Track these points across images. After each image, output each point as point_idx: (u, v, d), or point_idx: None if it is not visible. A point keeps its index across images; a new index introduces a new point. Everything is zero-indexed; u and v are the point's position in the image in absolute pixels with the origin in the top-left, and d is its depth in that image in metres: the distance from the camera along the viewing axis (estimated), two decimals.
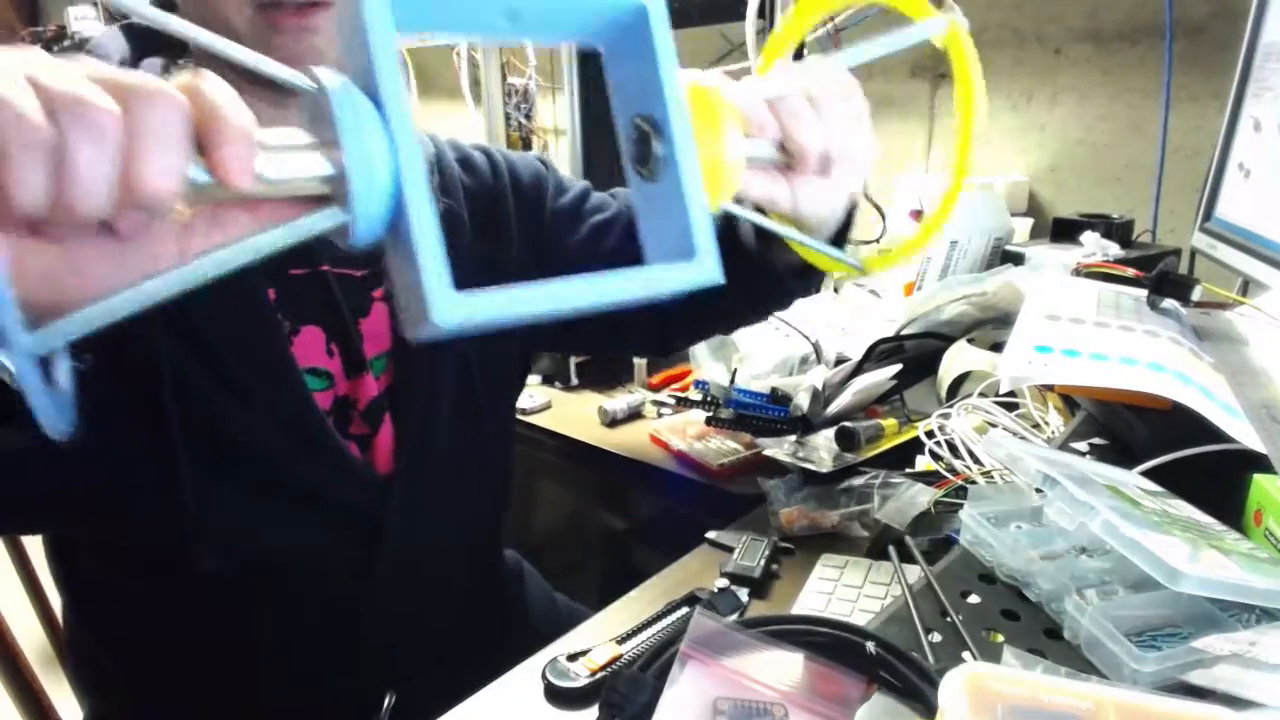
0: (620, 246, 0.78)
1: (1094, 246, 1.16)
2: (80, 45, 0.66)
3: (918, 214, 1.34)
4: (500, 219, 0.77)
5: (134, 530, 0.64)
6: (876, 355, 1.00)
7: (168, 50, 0.68)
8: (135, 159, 0.29)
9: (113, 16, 2.87)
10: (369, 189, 0.31)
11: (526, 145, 1.87)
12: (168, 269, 0.31)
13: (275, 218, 0.33)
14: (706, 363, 1.11)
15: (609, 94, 0.41)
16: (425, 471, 0.71)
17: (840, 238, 0.62)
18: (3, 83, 0.28)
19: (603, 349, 0.87)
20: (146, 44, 0.67)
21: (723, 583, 0.68)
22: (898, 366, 0.96)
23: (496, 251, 0.76)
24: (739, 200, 0.48)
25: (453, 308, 0.30)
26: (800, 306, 1.20)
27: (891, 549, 0.65)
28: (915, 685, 0.47)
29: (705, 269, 0.38)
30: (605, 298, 0.35)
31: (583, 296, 0.34)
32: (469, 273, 0.31)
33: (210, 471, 0.60)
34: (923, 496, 0.73)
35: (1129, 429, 0.69)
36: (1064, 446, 0.71)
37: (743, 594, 0.67)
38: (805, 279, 0.71)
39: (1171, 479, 0.60)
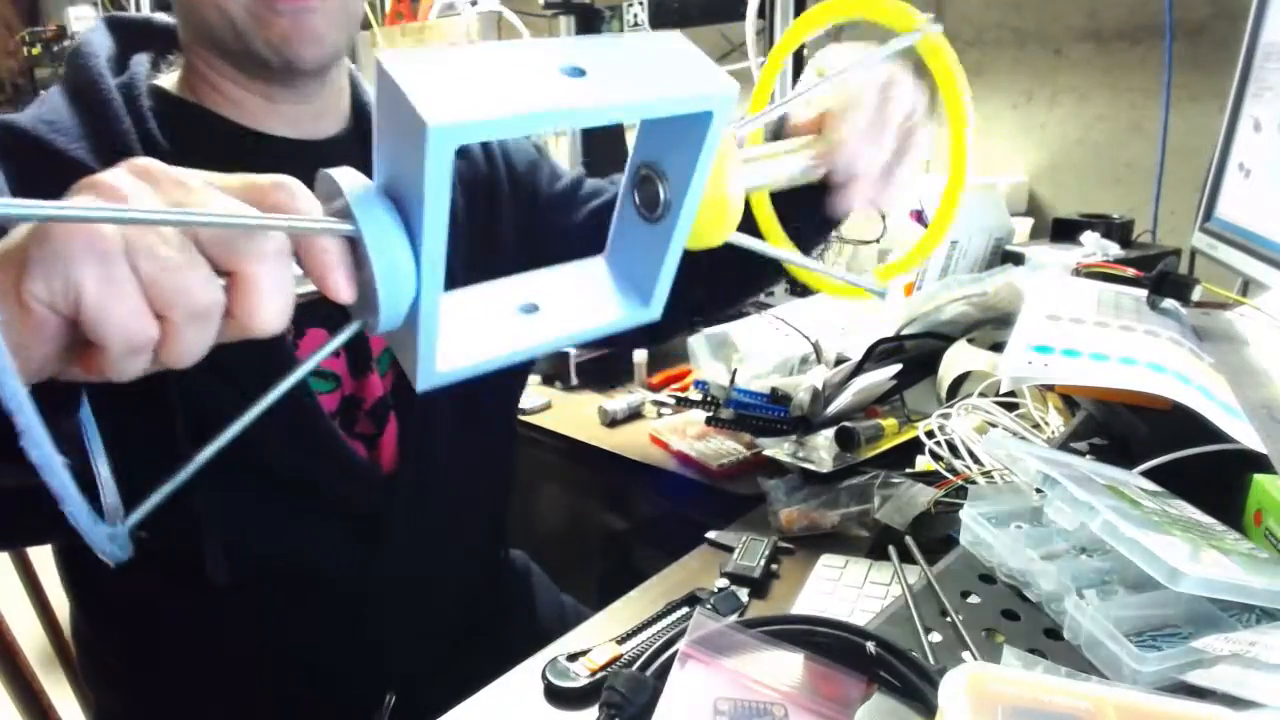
0: None
1: (1094, 246, 1.15)
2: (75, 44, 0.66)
3: (919, 214, 1.34)
4: (494, 205, 0.78)
5: (144, 535, 0.64)
6: (876, 355, 1.00)
7: (156, 44, 0.68)
8: (252, 312, 0.31)
9: None
10: (394, 302, 0.32)
11: None
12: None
13: None
14: (706, 363, 1.11)
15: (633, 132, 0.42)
16: (428, 470, 0.71)
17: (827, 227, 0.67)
18: (108, 276, 0.28)
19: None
20: (133, 40, 0.67)
21: (723, 583, 0.68)
22: (898, 366, 0.96)
23: (490, 237, 0.77)
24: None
25: (435, 379, 0.36)
26: (800, 306, 1.20)
27: (891, 549, 0.65)
28: (915, 685, 0.47)
29: (650, 316, 0.42)
30: (560, 340, 0.39)
31: (542, 342, 0.38)
32: (464, 259, 0.32)
33: (218, 474, 0.60)
34: (923, 496, 0.73)
35: (1129, 429, 0.69)
36: (1064, 446, 0.71)
37: (743, 594, 0.67)
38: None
39: (1171, 479, 0.60)
